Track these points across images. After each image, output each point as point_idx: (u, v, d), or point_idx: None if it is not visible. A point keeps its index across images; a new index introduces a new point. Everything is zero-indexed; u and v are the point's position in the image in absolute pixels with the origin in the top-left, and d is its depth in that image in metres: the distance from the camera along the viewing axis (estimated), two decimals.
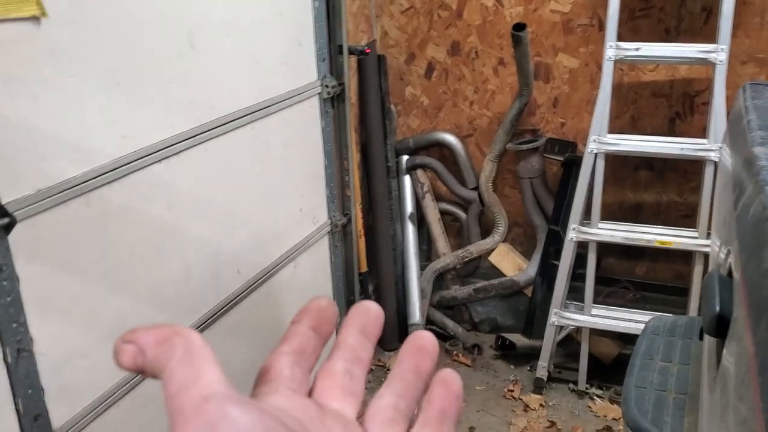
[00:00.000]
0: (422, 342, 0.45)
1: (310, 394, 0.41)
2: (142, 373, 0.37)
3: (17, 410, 1.66)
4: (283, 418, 0.36)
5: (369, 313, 0.46)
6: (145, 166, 2.00)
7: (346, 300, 3.28)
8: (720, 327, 0.98)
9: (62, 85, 1.72)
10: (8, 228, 1.58)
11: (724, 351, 0.98)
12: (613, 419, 2.98)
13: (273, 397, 0.38)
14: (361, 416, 0.41)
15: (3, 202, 1.58)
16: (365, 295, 3.41)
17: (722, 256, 1.27)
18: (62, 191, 1.73)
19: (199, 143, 2.21)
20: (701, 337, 1.74)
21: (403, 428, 0.41)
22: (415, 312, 3.47)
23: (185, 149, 2.15)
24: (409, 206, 3.58)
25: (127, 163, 1.93)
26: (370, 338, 0.45)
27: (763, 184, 1.03)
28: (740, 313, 0.90)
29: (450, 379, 0.43)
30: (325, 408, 0.40)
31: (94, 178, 1.82)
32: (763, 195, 0.99)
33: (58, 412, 1.78)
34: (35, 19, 1.63)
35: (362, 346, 0.44)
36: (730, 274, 1.10)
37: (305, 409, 0.38)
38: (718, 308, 0.99)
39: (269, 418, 0.35)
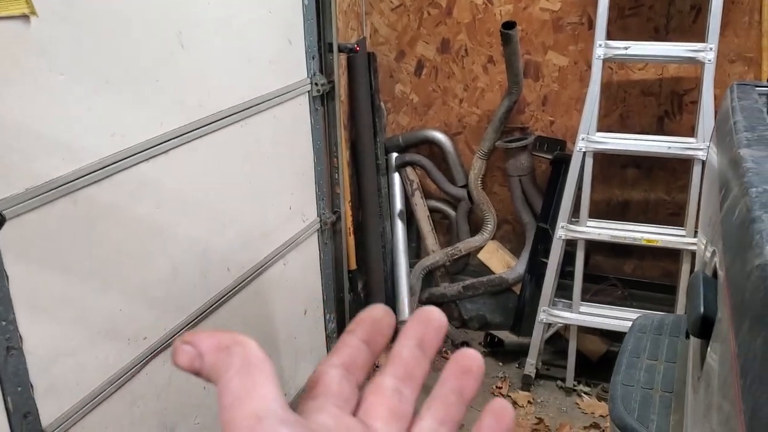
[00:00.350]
0: (469, 363, 0.43)
1: (357, 409, 0.40)
2: (198, 375, 0.37)
3: (6, 408, 1.66)
4: None
5: (429, 324, 0.43)
6: (134, 165, 2.00)
7: (336, 297, 3.28)
8: (704, 328, 1.00)
9: (51, 84, 1.72)
10: None
11: (708, 351, 0.99)
12: (601, 416, 3.00)
13: (319, 416, 0.38)
14: None
15: None
16: (354, 293, 3.42)
17: (708, 256, 1.28)
18: (51, 190, 1.73)
19: (188, 141, 2.21)
20: (688, 336, 1.76)
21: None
22: (404, 309, 3.48)
23: (174, 147, 2.15)
24: (398, 204, 3.58)
25: (116, 162, 1.93)
26: (428, 353, 0.43)
27: (748, 186, 1.04)
28: (724, 314, 0.91)
29: (502, 412, 0.42)
30: (370, 429, 0.39)
31: (82, 177, 1.82)
32: (748, 197, 1.00)
33: (48, 410, 1.78)
34: (25, 17, 1.62)
35: (417, 361, 0.42)
36: (715, 274, 1.11)
37: (350, 430, 0.38)
38: (702, 309, 1.00)
39: None
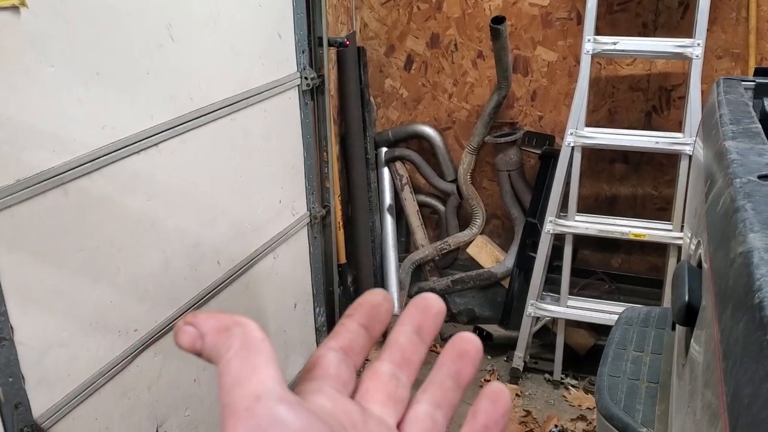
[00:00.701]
0: (466, 347, 0.43)
1: (354, 393, 0.40)
2: (199, 356, 0.37)
3: None
4: (330, 422, 0.36)
5: (428, 311, 0.44)
6: (124, 157, 2.00)
7: (325, 291, 3.30)
8: (689, 316, 1.01)
9: (42, 75, 1.72)
10: None
11: (693, 339, 1.01)
12: (588, 408, 3.02)
13: (317, 397, 0.38)
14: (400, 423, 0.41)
15: None
16: (344, 287, 3.43)
17: (693, 247, 1.30)
18: (41, 181, 1.73)
19: (179, 134, 2.21)
20: (673, 328, 1.78)
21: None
22: (394, 303, 3.49)
23: (164, 140, 2.15)
24: (387, 198, 3.60)
25: (107, 154, 1.93)
26: (425, 339, 0.43)
27: (733, 177, 1.06)
28: (708, 302, 0.92)
29: (498, 395, 0.42)
30: (367, 412, 0.39)
31: (73, 169, 1.82)
32: (732, 188, 1.02)
33: (39, 401, 1.79)
34: (15, 8, 1.62)
35: (414, 347, 0.43)
36: (700, 264, 1.13)
37: (348, 413, 0.38)
38: (687, 297, 1.02)
39: (319, 423, 0.35)
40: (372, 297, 0.44)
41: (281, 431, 0.33)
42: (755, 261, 0.76)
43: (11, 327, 1.69)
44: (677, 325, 1.32)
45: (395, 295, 3.50)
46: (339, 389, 0.39)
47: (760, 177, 1.04)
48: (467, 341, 0.43)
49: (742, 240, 0.83)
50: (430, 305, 0.44)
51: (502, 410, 0.41)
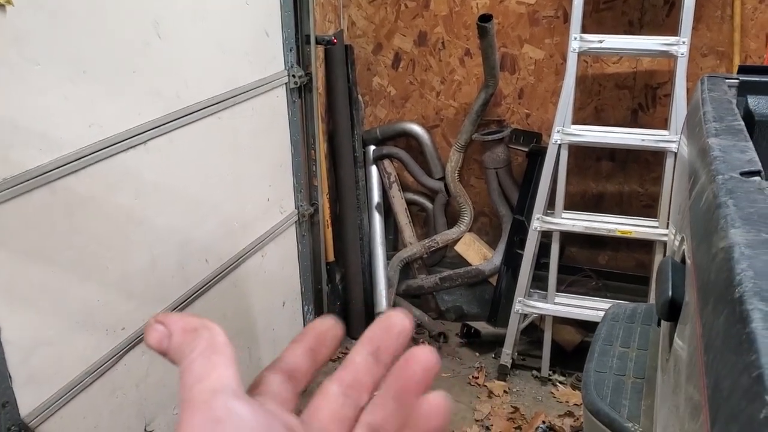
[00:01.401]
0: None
1: (301, 411, 0.41)
2: (165, 356, 0.39)
3: None
4: (283, 418, 0.37)
5: (390, 330, 0.43)
6: (112, 155, 2.00)
7: (314, 289, 3.30)
8: (672, 311, 1.03)
9: (28, 73, 1.72)
10: None
11: (676, 333, 1.02)
12: (575, 404, 3.04)
13: (265, 403, 0.39)
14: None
15: None
16: (332, 285, 3.43)
17: (677, 243, 1.31)
18: (28, 180, 1.73)
19: (166, 132, 2.21)
20: (659, 324, 1.79)
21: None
22: (382, 301, 3.50)
23: (152, 138, 2.15)
24: (375, 196, 3.60)
25: (94, 152, 1.93)
26: (383, 359, 0.43)
27: (716, 173, 1.07)
28: (691, 298, 0.94)
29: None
30: (309, 427, 0.40)
31: (60, 167, 1.82)
32: (715, 184, 1.03)
33: (26, 400, 1.79)
34: (1, 6, 1.62)
35: (368, 368, 0.42)
36: (683, 260, 1.14)
37: (289, 425, 0.39)
38: (670, 293, 1.03)
39: (272, 419, 0.36)
40: (320, 324, 0.45)
41: (237, 425, 0.35)
42: (736, 256, 0.77)
43: None
44: (661, 321, 1.33)
45: (383, 293, 3.51)
46: (280, 405, 0.40)
47: (743, 174, 1.06)
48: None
49: (723, 236, 0.84)
50: (393, 324, 0.43)
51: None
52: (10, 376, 1.73)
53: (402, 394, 0.41)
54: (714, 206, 0.96)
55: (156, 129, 2.16)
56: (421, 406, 0.40)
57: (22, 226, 1.74)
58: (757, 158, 1.12)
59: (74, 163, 1.87)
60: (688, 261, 1.05)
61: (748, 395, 0.55)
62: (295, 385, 0.43)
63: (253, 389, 0.41)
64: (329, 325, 0.45)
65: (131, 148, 2.07)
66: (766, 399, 0.52)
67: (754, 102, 1.73)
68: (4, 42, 1.64)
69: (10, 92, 1.67)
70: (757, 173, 1.05)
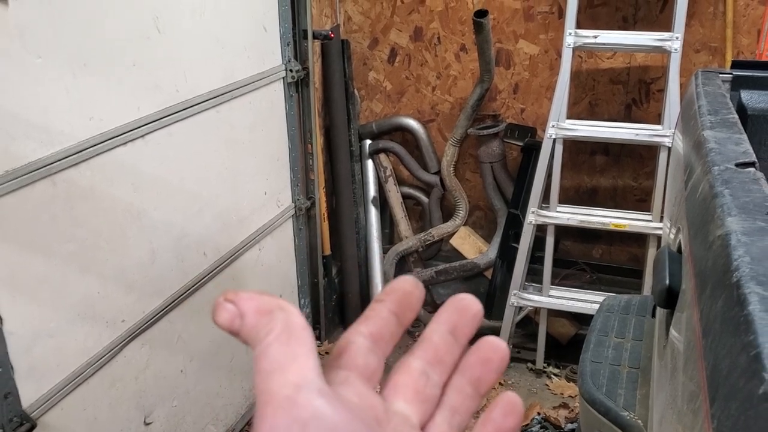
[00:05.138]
0: (490, 355, 0.42)
1: (383, 385, 0.40)
2: (235, 336, 0.37)
3: None
4: (363, 418, 0.36)
5: (465, 312, 0.43)
6: (111, 149, 2.01)
7: (310, 283, 3.32)
8: (669, 299, 1.05)
9: (29, 66, 1.73)
10: None
11: (673, 320, 1.05)
12: (570, 396, 3.07)
13: (344, 389, 0.37)
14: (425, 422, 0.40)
15: None
16: (329, 278, 3.45)
17: (672, 235, 1.33)
18: (29, 172, 1.74)
19: (165, 126, 2.22)
20: (653, 315, 1.82)
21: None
22: None
23: (151, 132, 2.17)
24: (371, 190, 3.62)
25: (94, 145, 1.94)
26: (460, 340, 0.42)
27: (711, 164, 1.09)
28: (688, 285, 0.96)
29: (512, 408, 0.41)
30: (391, 408, 0.39)
31: (60, 160, 1.83)
32: (711, 175, 1.06)
33: (28, 391, 1.80)
34: (2, 0, 1.63)
35: (448, 347, 0.42)
36: (679, 250, 1.16)
37: (373, 408, 0.37)
38: (668, 281, 1.06)
39: (354, 420, 0.35)
40: (404, 284, 0.43)
41: (319, 425, 0.33)
42: (733, 243, 0.79)
43: (0, 317, 1.70)
44: (658, 308, 1.36)
45: (379, 287, 3.53)
46: (366, 381, 0.38)
47: (738, 165, 1.08)
48: (493, 348, 0.42)
49: (720, 224, 0.87)
50: (468, 306, 0.43)
51: (512, 423, 0.41)
52: (12, 367, 1.74)
53: (478, 381, 0.41)
54: (710, 196, 0.98)
55: (155, 123, 2.17)
56: (497, 404, 0.41)
57: (24, 218, 1.75)
58: (751, 150, 1.15)
59: (75, 156, 1.88)
60: (685, 250, 1.07)
61: (746, 373, 0.57)
62: (380, 351, 0.40)
63: (337, 357, 0.39)
64: (412, 286, 0.42)
65: (130, 141, 2.08)
66: (763, 376, 0.54)
67: (747, 96, 1.76)
68: (7, 35, 1.65)
69: (12, 85, 1.69)
70: (751, 164, 1.07)
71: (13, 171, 1.70)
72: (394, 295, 0.42)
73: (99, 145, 1.96)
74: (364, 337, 0.40)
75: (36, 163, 1.76)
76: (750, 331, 0.61)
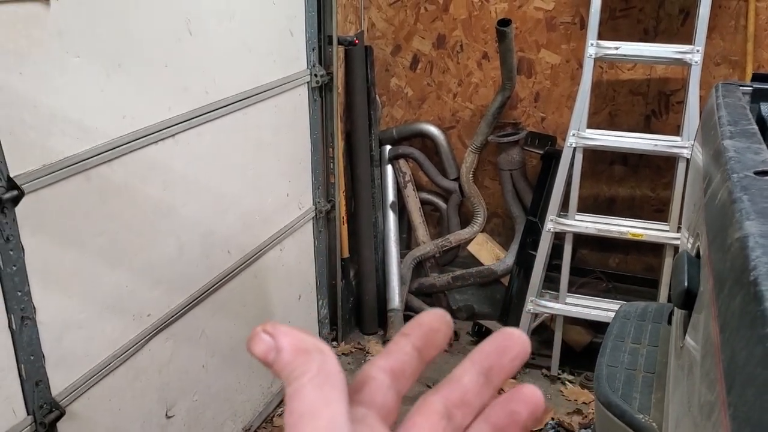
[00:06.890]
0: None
1: (399, 425, 0.39)
2: (269, 367, 0.37)
3: (20, 375, 1.74)
4: None
5: (506, 353, 0.40)
6: (143, 147, 2.07)
7: (328, 284, 3.36)
8: (687, 300, 1.09)
9: (68, 65, 1.79)
10: (16, 200, 1.65)
11: (691, 321, 1.09)
12: (584, 403, 3.10)
13: (361, 429, 0.37)
14: None
15: (12, 176, 1.64)
16: (346, 280, 3.49)
17: (690, 243, 1.37)
18: (66, 167, 1.80)
19: (194, 127, 2.28)
20: (669, 322, 1.85)
21: None
22: (395, 298, 3.56)
23: (181, 132, 2.22)
24: (390, 195, 3.67)
25: (126, 143, 2.00)
26: (494, 382, 0.40)
27: (731, 172, 1.13)
28: (706, 287, 1.00)
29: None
30: None
31: (95, 156, 1.89)
32: (730, 182, 1.09)
33: (58, 380, 1.85)
34: (45, 1, 1.69)
35: (477, 390, 0.40)
36: (698, 255, 1.20)
37: None
38: (686, 283, 1.09)
39: None
40: (432, 320, 0.42)
41: None
42: (751, 245, 0.83)
43: (33, 307, 1.76)
44: (676, 311, 1.39)
45: (396, 290, 3.57)
46: (382, 420, 0.38)
47: (756, 173, 1.12)
48: (525, 400, 0.40)
49: (738, 227, 0.90)
50: (510, 346, 0.40)
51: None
52: (43, 356, 1.80)
53: (503, 428, 0.40)
54: (729, 202, 1.02)
55: (185, 123, 2.23)
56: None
57: (59, 211, 1.81)
58: None
59: (108, 152, 1.94)
60: (703, 254, 1.11)
61: (763, 362, 0.61)
62: (399, 388, 0.40)
63: (357, 391, 0.39)
64: (440, 322, 0.41)
65: (161, 140, 2.14)
66: None
67: (767, 109, 1.80)
68: (48, 35, 1.72)
69: (50, 82, 1.75)
70: None
71: (50, 165, 1.76)
72: (419, 331, 0.41)
73: (131, 143, 2.02)
74: (385, 373, 0.40)
75: (71, 159, 1.82)
76: (767, 323, 0.65)
